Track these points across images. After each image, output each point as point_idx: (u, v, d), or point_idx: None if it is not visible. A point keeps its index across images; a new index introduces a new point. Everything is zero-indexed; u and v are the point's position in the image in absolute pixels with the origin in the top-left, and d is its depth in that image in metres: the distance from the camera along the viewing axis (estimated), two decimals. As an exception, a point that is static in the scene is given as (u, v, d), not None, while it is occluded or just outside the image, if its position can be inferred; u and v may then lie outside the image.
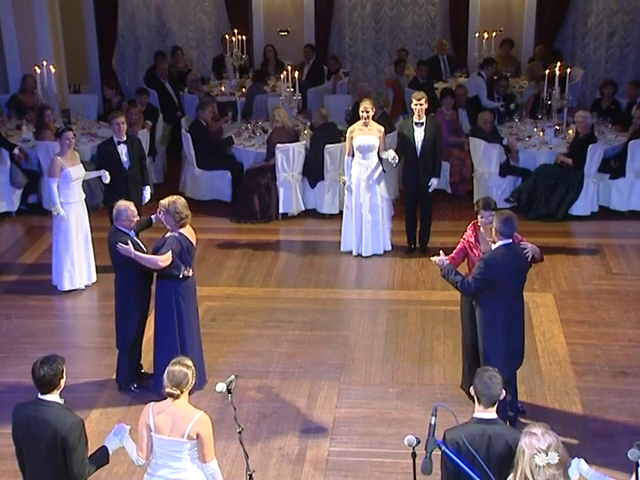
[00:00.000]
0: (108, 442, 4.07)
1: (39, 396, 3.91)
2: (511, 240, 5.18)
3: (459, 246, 5.71)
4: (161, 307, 5.68)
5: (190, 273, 5.67)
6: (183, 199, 5.67)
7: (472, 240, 5.65)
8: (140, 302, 5.80)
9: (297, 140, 9.28)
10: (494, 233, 5.19)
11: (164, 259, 5.52)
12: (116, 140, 7.67)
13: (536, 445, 3.22)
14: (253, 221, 9.20)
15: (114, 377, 6.06)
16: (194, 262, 5.78)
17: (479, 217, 5.57)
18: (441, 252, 5.37)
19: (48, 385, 3.88)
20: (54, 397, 3.91)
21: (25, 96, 10.62)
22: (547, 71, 9.81)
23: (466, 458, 3.52)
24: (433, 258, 5.40)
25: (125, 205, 5.82)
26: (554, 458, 3.21)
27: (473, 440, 3.58)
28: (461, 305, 5.75)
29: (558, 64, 9.77)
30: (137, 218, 5.90)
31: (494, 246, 5.21)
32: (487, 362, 5.02)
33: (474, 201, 9.24)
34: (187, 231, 5.66)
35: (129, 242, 5.66)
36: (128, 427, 4.14)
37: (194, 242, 5.70)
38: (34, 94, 10.41)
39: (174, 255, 5.53)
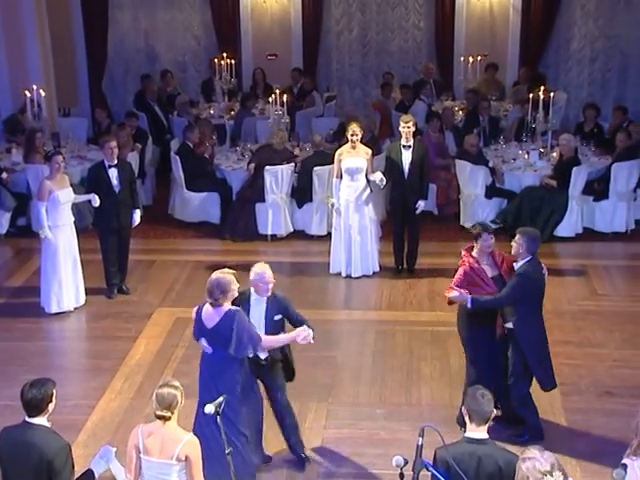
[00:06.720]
0: (94, 465, 4.05)
1: (26, 419, 3.90)
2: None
3: (461, 277, 5.52)
4: None
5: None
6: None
7: (476, 265, 5.51)
8: None
9: (284, 162, 9.31)
10: (520, 250, 5.37)
11: None
12: (107, 164, 7.68)
13: (540, 469, 3.18)
14: (243, 239, 9.22)
15: (102, 399, 6.06)
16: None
17: (480, 241, 5.49)
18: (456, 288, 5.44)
19: (35, 408, 3.87)
20: (41, 420, 3.89)
21: (24, 118, 10.55)
22: (531, 95, 9.98)
23: (455, 477, 3.55)
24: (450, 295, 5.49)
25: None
26: (559, 477, 3.18)
27: (462, 459, 3.60)
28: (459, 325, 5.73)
29: (542, 88, 9.94)
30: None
31: (520, 262, 5.41)
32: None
33: (460, 222, 9.44)
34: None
35: None
36: (114, 449, 4.12)
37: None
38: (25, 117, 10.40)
39: None
